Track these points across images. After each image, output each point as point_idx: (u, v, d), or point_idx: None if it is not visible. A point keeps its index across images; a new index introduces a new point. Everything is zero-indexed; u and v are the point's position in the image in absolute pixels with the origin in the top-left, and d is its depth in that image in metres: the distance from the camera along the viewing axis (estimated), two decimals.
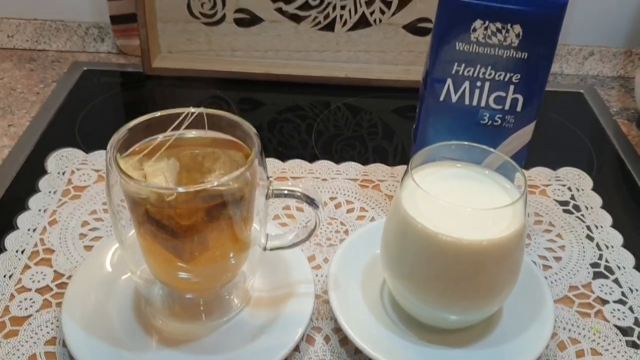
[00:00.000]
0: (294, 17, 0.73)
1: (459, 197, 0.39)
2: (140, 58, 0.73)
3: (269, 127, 0.67)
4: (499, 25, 0.42)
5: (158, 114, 0.40)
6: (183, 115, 0.40)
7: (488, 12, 0.41)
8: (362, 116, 0.70)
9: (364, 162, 0.60)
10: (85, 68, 0.75)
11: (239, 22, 0.74)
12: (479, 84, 0.44)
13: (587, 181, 0.58)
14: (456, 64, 0.44)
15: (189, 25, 0.74)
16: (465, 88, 0.45)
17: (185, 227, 0.38)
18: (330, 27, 0.74)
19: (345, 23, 0.74)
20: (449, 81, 0.45)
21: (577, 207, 0.55)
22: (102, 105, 0.69)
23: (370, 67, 0.75)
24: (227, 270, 0.42)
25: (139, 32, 0.71)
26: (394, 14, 0.73)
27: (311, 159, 0.61)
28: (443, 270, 0.38)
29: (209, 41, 0.75)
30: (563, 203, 0.56)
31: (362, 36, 0.74)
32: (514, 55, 0.43)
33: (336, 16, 0.73)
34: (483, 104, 0.45)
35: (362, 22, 0.74)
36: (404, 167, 0.59)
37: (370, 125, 0.68)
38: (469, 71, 0.44)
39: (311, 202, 0.40)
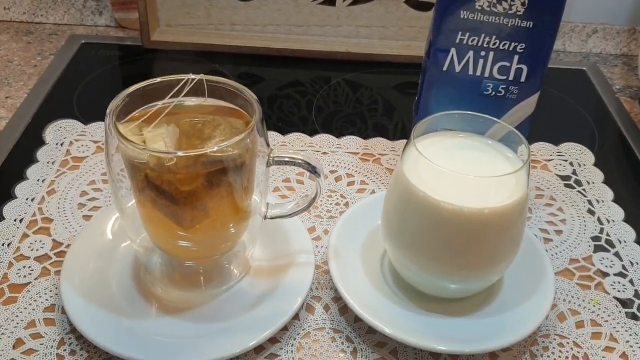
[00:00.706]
0: None
1: (462, 167, 0.39)
2: (139, 32, 0.73)
3: (269, 102, 0.66)
4: None
5: (158, 80, 0.40)
6: (183, 82, 0.39)
7: None
8: (363, 92, 0.69)
9: (365, 138, 0.60)
10: (83, 41, 0.74)
11: None
12: (483, 53, 0.44)
13: (589, 157, 0.58)
14: (460, 33, 0.43)
15: None
16: (469, 58, 0.44)
17: (185, 194, 0.37)
18: (331, 1, 0.73)
19: None
20: (453, 51, 0.44)
21: (578, 182, 0.55)
22: (101, 79, 0.69)
23: (371, 42, 0.75)
24: (227, 239, 0.42)
25: (138, 5, 0.70)
26: None
27: (311, 133, 0.60)
28: (445, 239, 0.38)
29: (209, 15, 0.74)
30: (565, 178, 0.56)
31: (364, 11, 0.73)
32: (519, 24, 0.42)
33: None
34: (487, 74, 0.44)
35: None
36: (406, 141, 0.60)
37: (371, 102, 0.68)
38: (473, 40, 0.43)
39: (313, 170, 0.40)
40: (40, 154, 0.55)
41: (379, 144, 0.59)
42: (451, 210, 0.37)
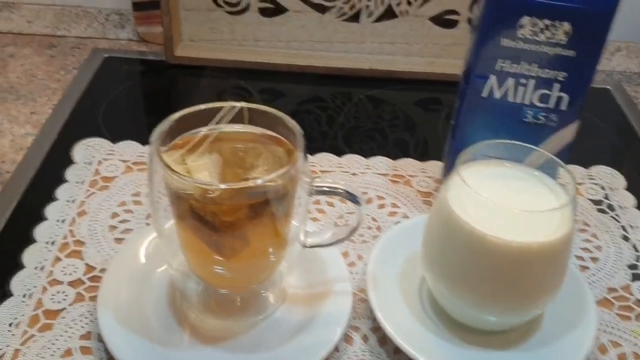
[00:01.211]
0: (319, 7, 0.72)
1: (505, 197, 0.38)
2: (162, 46, 0.72)
3: (291, 117, 0.66)
4: (547, 22, 0.41)
5: (201, 107, 0.39)
6: (225, 109, 0.39)
7: (537, 9, 0.41)
8: (385, 109, 0.69)
9: (388, 156, 0.59)
10: (106, 55, 0.74)
11: (263, 12, 0.73)
12: (523, 81, 0.43)
13: (620, 180, 0.58)
14: (500, 60, 0.43)
15: (212, 13, 0.73)
16: (509, 85, 0.44)
17: (227, 223, 0.37)
18: (355, 18, 0.73)
19: (371, 14, 0.73)
20: (493, 78, 0.44)
21: (611, 207, 0.55)
22: (125, 94, 0.68)
23: (394, 59, 0.74)
24: (265, 268, 0.41)
25: (162, 19, 0.70)
26: (421, 5, 0.72)
27: (335, 151, 0.60)
28: (488, 272, 0.38)
29: (232, 30, 0.74)
30: (597, 202, 0.55)
31: (388, 28, 0.73)
32: (562, 52, 0.42)
33: (362, 7, 0.72)
34: (527, 101, 0.44)
35: (388, 14, 0.72)
36: (435, 162, 0.59)
37: (393, 117, 0.67)
38: (513, 68, 0.43)
39: (354, 199, 0.39)
40: (69, 173, 0.55)
41: (408, 164, 0.58)
42: (497, 244, 0.36)
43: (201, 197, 0.36)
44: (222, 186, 0.35)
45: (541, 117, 0.45)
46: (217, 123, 0.39)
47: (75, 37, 0.78)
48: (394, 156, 0.60)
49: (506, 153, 0.41)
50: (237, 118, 0.40)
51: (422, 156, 0.60)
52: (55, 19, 0.78)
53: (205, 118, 0.39)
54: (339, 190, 0.39)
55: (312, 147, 0.60)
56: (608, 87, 0.74)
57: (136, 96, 0.70)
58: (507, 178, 0.40)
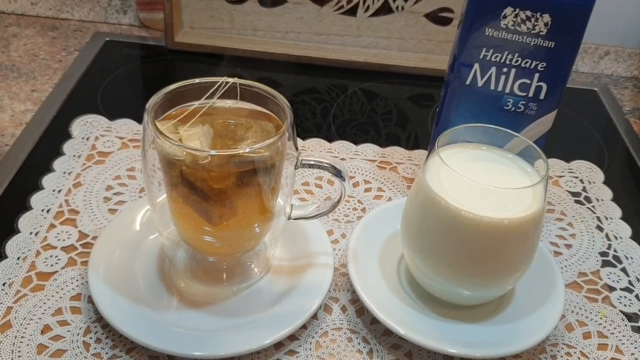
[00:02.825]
0: (317, 0, 0.74)
1: (482, 177, 0.40)
2: (163, 32, 0.74)
3: None
4: (529, 13, 0.43)
5: (196, 80, 0.41)
6: (218, 84, 0.41)
7: (519, 0, 0.42)
8: (378, 102, 0.71)
9: (381, 146, 0.61)
10: (107, 39, 0.76)
11: (263, 2, 0.74)
12: (505, 70, 0.45)
13: (598, 174, 0.60)
14: (484, 49, 0.45)
15: (213, 2, 0.75)
16: (491, 73, 0.46)
17: (216, 191, 0.39)
18: (352, 12, 0.75)
19: (367, 9, 0.75)
20: (476, 66, 0.46)
21: (588, 199, 0.57)
22: (124, 76, 0.70)
23: (389, 53, 0.76)
24: (251, 238, 0.43)
25: (164, 6, 0.72)
26: (416, 1, 0.74)
27: (329, 139, 0.62)
28: (462, 247, 0.40)
29: (232, 19, 0.76)
30: (575, 194, 0.57)
31: (384, 22, 0.75)
32: (542, 43, 0.44)
33: (359, 1, 0.74)
34: (508, 90, 0.46)
35: (384, 9, 0.74)
36: (422, 151, 0.61)
37: (386, 111, 0.69)
38: (496, 57, 0.45)
39: (338, 173, 0.41)
40: (66, 147, 0.56)
41: (395, 152, 0.60)
42: (471, 219, 0.38)
43: (192, 163, 0.37)
44: (212, 152, 0.37)
45: (521, 106, 0.46)
46: (210, 97, 0.41)
47: (78, 21, 0.80)
48: (383, 140, 0.62)
49: (485, 137, 0.43)
50: (230, 93, 0.42)
51: (410, 139, 0.62)
52: (59, 2, 0.80)
53: (199, 91, 0.41)
54: (325, 164, 0.41)
55: (308, 136, 0.63)
56: (595, 89, 0.76)
57: (135, 78, 0.72)
58: (483, 160, 0.42)
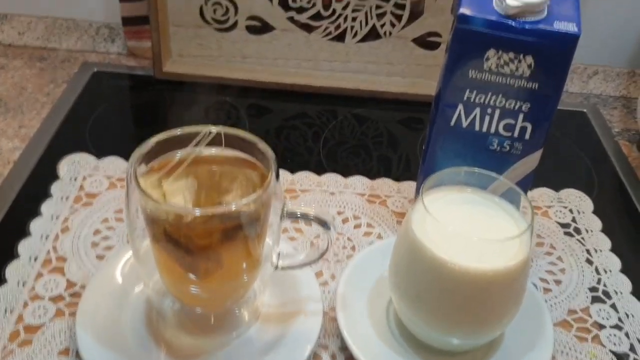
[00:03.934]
0: (306, 26, 0.74)
1: (467, 224, 0.40)
2: (151, 60, 0.74)
3: (276, 134, 0.68)
4: (512, 55, 0.43)
5: (178, 131, 0.41)
6: (202, 133, 0.41)
7: (502, 42, 0.42)
8: (369, 127, 0.71)
9: (370, 173, 0.61)
10: (95, 69, 0.75)
11: (251, 30, 0.74)
12: (489, 110, 0.45)
13: (588, 204, 0.60)
14: (468, 90, 0.45)
15: (201, 30, 0.74)
16: (476, 114, 0.46)
17: (201, 246, 0.39)
18: (340, 37, 0.75)
19: (355, 34, 0.74)
20: (460, 107, 0.46)
21: (577, 230, 0.57)
22: (113, 109, 0.70)
23: (378, 78, 0.76)
24: (239, 288, 0.43)
25: (152, 35, 0.72)
26: (404, 27, 0.74)
27: (318, 168, 0.62)
28: (449, 296, 0.40)
29: (220, 47, 0.75)
30: (564, 225, 0.57)
31: (372, 48, 0.75)
32: (525, 85, 0.44)
33: (347, 27, 0.74)
34: (493, 130, 0.46)
35: (372, 34, 0.74)
36: (411, 183, 0.61)
37: (376, 136, 0.69)
38: (480, 98, 0.45)
39: (324, 224, 0.41)
40: (54, 188, 0.56)
41: (384, 185, 0.60)
42: (456, 270, 0.38)
43: (175, 221, 0.37)
44: (196, 212, 0.37)
45: (506, 145, 0.46)
46: (195, 146, 0.41)
47: (66, 50, 0.80)
48: (373, 172, 0.62)
49: (470, 180, 0.43)
50: (214, 141, 0.42)
51: (403, 172, 0.62)
52: (47, 32, 0.79)
53: (183, 141, 0.41)
54: (310, 217, 0.41)
55: (295, 164, 0.62)
56: (584, 110, 0.76)
57: (123, 112, 0.72)
58: (468, 204, 0.42)
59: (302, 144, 0.67)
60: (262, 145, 0.41)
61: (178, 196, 0.39)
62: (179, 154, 0.41)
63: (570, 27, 0.41)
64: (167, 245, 0.39)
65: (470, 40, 0.43)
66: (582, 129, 0.74)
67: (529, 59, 0.43)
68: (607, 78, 0.80)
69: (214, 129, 0.41)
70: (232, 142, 0.42)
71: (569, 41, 0.42)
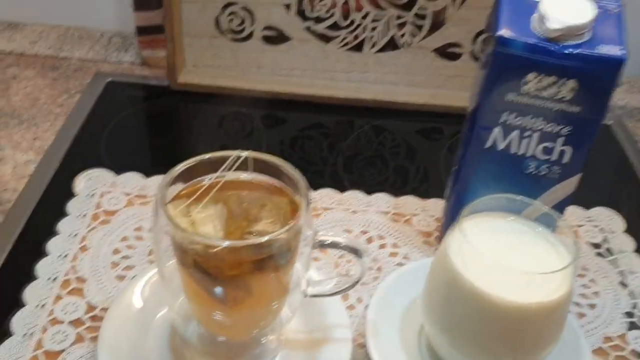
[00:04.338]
0: (323, 36, 0.72)
1: (507, 253, 0.39)
2: (165, 70, 0.73)
3: (291, 146, 0.66)
4: (552, 79, 0.41)
5: (206, 157, 0.40)
6: (231, 158, 0.39)
7: (543, 67, 0.41)
8: (387, 137, 0.69)
9: (391, 187, 0.60)
10: (109, 79, 0.74)
11: (267, 40, 0.73)
12: (527, 134, 0.44)
13: (619, 223, 0.58)
14: (505, 113, 0.43)
15: (215, 40, 0.73)
16: (513, 137, 0.44)
17: (231, 276, 0.37)
18: (358, 48, 0.73)
19: (374, 45, 0.73)
20: (497, 129, 0.44)
21: (610, 251, 0.55)
22: (128, 121, 0.68)
23: (397, 89, 0.75)
24: (267, 316, 0.41)
25: (167, 46, 0.70)
26: (424, 37, 0.72)
27: (336, 180, 0.60)
28: (488, 328, 0.38)
29: (235, 57, 0.74)
30: (596, 245, 0.56)
31: (391, 58, 0.73)
32: (566, 108, 0.42)
33: (365, 37, 0.72)
34: (530, 153, 0.44)
35: (391, 45, 0.73)
36: (436, 200, 0.60)
37: (394, 147, 0.68)
38: (518, 121, 0.43)
39: (356, 252, 0.40)
40: (71, 205, 0.55)
41: (409, 202, 0.59)
42: (498, 304, 0.37)
43: (204, 251, 0.36)
44: (226, 244, 0.35)
45: (544, 169, 0.45)
46: (223, 171, 0.40)
47: (78, 59, 0.78)
48: (395, 188, 0.60)
49: (507, 205, 0.42)
50: (242, 164, 0.40)
51: (426, 186, 0.61)
52: (59, 41, 0.78)
53: (211, 166, 0.40)
54: (341, 244, 0.40)
55: (313, 177, 0.60)
56: (610, 122, 0.75)
57: (139, 123, 0.70)
58: (508, 232, 0.41)
59: (319, 154, 0.65)
60: (292, 171, 0.40)
61: (207, 225, 0.37)
62: (207, 180, 0.39)
63: (614, 51, 0.40)
64: (195, 272, 0.37)
65: (510, 64, 0.41)
66: (608, 142, 0.72)
67: (571, 83, 0.41)
68: (633, 89, 0.78)
69: (244, 153, 0.40)
70: (260, 166, 0.41)
71: (614, 65, 0.40)
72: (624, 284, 0.52)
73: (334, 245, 0.40)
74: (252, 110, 0.71)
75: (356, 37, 0.72)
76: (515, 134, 0.44)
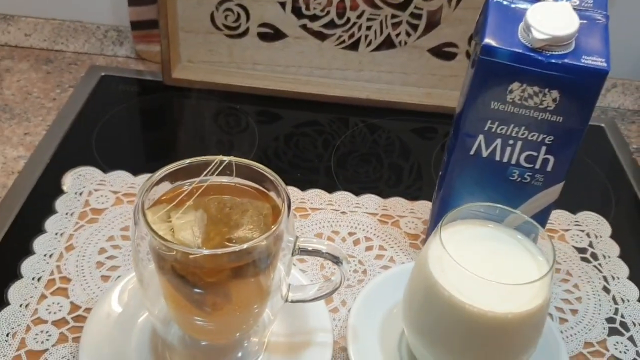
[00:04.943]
0: (319, 34, 0.72)
1: (486, 262, 0.39)
2: (159, 65, 0.72)
3: (285, 143, 0.67)
4: (536, 88, 0.41)
5: (187, 162, 0.40)
6: (213, 163, 0.39)
7: (527, 76, 0.41)
8: (381, 136, 0.69)
9: (382, 186, 0.60)
10: (103, 73, 0.74)
11: (262, 36, 0.73)
12: (511, 142, 0.44)
13: (605, 228, 0.58)
14: (489, 121, 0.43)
15: (211, 36, 0.73)
16: (497, 145, 0.44)
17: (210, 283, 0.37)
18: (354, 46, 0.73)
19: (369, 43, 0.73)
20: (481, 137, 0.44)
21: (594, 255, 0.55)
22: (120, 116, 0.69)
23: (392, 88, 0.74)
24: (247, 320, 0.42)
25: (161, 42, 0.70)
26: (420, 36, 0.72)
27: (328, 179, 0.61)
28: (465, 337, 0.38)
29: (230, 53, 0.74)
30: (581, 250, 0.56)
31: (386, 57, 0.73)
32: (549, 118, 0.42)
33: (361, 36, 0.72)
34: (514, 161, 0.44)
35: (387, 43, 0.72)
36: (424, 202, 0.60)
37: (388, 145, 0.68)
38: (502, 129, 0.43)
39: (336, 260, 0.40)
40: (59, 203, 0.55)
41: (397, 204, 0.59)
42: (474, 313, 0.37)
43: (183, 258, 0.36)
44: (204, 252, 0.36)
45: (527, 177, 0.45)
46: (205, 175, 0.40)
47: (73, 52, 0.78)
48: (389, 186, 0.61)
49: (488, 213, 0.42)
50: (225, 169, 0.41)
51: (417, 186, 0.61)
52: (53, 33, 0.78)
53: (193, 172, 0.40)
54: (322, 252, 0.40)
55: (305, 174, 0.61)
56: (602, 124, 0.74)
57: (131, 120, 0.70)
58: (487, 240, 0.41)
59: (313, 151, 0.65)
60: (275, 178, 0.40)
61: (187, 231, 0.37)
62: (188, 185, 0.39)
63: (598, 62, 0.39)
64: (174, 279, 0.38)
65: (494, 72, 0.41)
66: (600, 145, 0.72)
67: (555, 93, 0.41)
68: (626, 91, 0.78)
69: (226, 158, 0.40)
70: (243, 171, 0.41)
71: (597, 77, 0.40)
72: (607, 289, 0.52)
73: (315, 252, 0.40)
74: (247, 107, 0.71)
75: (352, 36, 0.72)
76: (498, 141, 0.44)
